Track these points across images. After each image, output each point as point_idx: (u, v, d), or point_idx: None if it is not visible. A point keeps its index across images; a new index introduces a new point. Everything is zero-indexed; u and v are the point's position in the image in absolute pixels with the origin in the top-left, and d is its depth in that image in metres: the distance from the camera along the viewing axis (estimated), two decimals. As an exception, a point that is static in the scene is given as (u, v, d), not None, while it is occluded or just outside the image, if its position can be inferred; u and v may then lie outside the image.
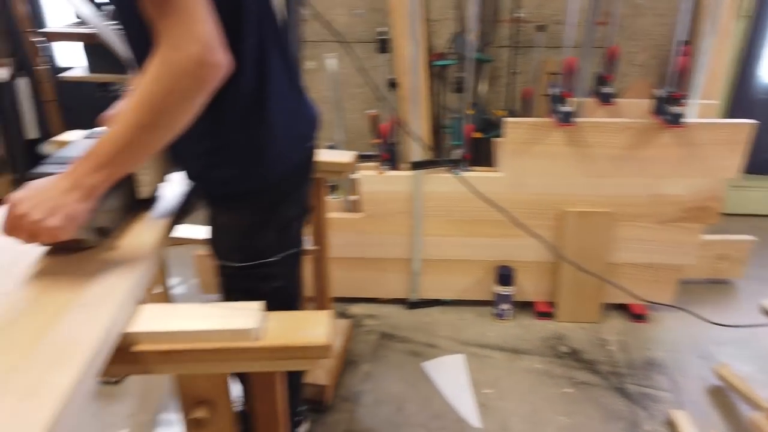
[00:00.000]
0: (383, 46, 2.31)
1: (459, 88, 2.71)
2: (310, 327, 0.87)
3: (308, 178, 1.21)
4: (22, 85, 2.87)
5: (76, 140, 1.16)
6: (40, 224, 0.83)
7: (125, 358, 0.83)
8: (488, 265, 2.25)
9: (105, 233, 0.99)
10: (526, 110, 2.60)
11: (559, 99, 2.00)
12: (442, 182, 2.11)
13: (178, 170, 1.20)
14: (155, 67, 0.83)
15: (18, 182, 2.99)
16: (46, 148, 3.03)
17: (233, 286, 1.17)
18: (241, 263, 1.13)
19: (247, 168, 1.07)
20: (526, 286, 2.28)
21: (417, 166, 2.08)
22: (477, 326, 2.24)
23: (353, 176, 2.16)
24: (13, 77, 2.84)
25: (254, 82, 1.01)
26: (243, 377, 1.15)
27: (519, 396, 1.89)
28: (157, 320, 0.86)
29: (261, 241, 1.13)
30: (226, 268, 1.14)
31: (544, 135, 2.02)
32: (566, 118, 1.94)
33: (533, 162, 2.05)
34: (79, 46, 2.42)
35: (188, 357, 0.85)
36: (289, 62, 1.08)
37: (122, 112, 0.86)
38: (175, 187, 1.22)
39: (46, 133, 3.09)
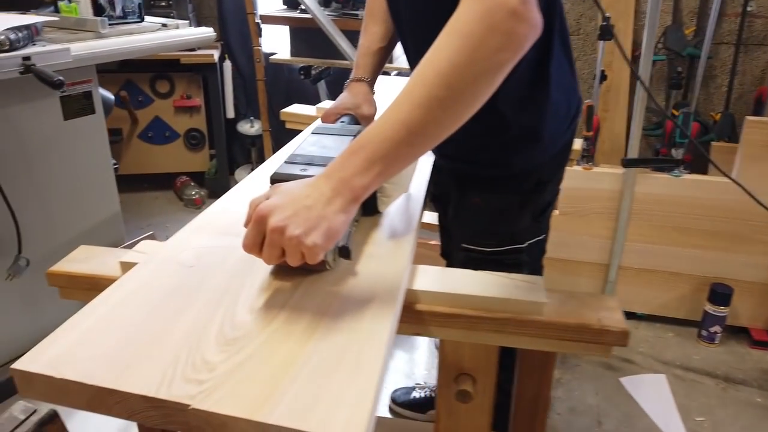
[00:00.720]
0: (604, 33, 2.16)
1: (673, 85, 2.48)
2: (604, 310, 0.78)
3: (568, 159, 1.12)
4: (227, 68, 3.08)
5: (312, 138, 0.97)
6: (301, 241, 0.64)
7: (407, 317, 0.79)
8: (698, 281, 2.02)
9: (345, 254, 0.76)
10: (757, 114, 2.32)
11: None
12: (656, 183, 1.92)
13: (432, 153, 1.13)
14: (456, 22, 0.66)
15: (213, 158, 3.21)
16: (242, 126, 3.23)
17: None
18: (492, 248, 1.06)
19: (522, 148, 1.00)
20: (742, 310, 2.01)
21: (630, 163, 1.91)
22: (680, 347, 2.02)
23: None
24: (221, 59, 3.05)
25: (541, 52, 0.93)
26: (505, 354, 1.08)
27: (739, 430, 1.66)
28: (442, 282, 0.81)
29: (516, 225, 1.05)
30: (473, 252, 1.08)
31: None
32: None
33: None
34: (285, 30, 2.54)
35: (467, 323, 0.79)
36: (565, 33, 1.00)
37: (402, 92, 0.68)
38: (417, 191, 1.06)
39: (241, 115, 3.29)
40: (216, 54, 2.88)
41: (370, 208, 0.93)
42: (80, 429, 1.60)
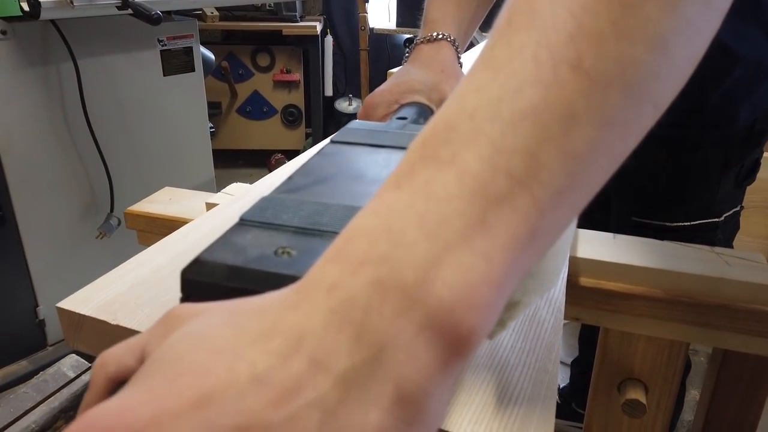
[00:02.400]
0: None
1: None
2: None
3: None
4: (328, 43, 2.98)
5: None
6: None
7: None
8: None
9: None
10: None
11: None
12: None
13: None
14: None
15: (309, 137, 3.12)
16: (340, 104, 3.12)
17: None
18: (677, 222, 0.83)
19: (749, 91, 0.76)
20: None
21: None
22: None
23: None
24: (323, 34, 2.95)
25: None
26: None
27: None
28: (616, 251, 0.60)
29: (714, 191, 0.81)
30: (647, 229, 0.85)
31: None
32: None
33: None
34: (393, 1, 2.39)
35: (649, 309, 0.58)
36: None
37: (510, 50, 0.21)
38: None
39: (339, 93, 3.18)
40: (319, 26, 2.77)
41: None
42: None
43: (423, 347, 0.18)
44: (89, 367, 0.51)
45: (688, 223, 0.80)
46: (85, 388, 0.49)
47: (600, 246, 0.61)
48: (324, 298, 0.19)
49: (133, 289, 0.47)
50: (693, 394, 1.57)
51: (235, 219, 0.58)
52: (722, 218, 0.81)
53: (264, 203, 0.39)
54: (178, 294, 0.46)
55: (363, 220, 0.20)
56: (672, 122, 0.77)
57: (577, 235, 0.62)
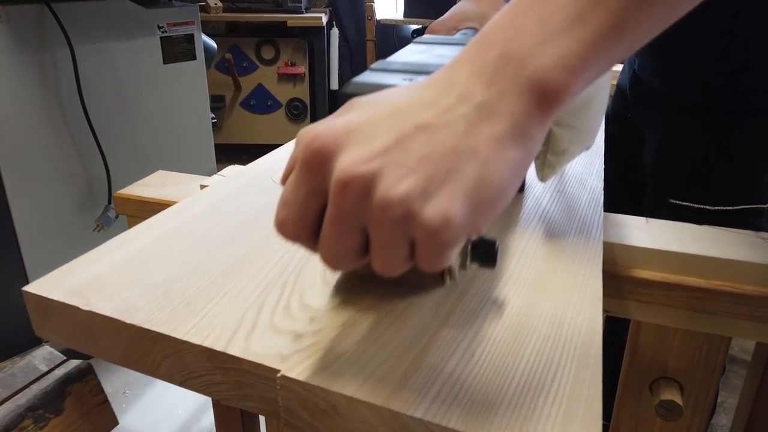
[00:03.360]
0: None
1: None
2: None
3: None
4: (334, 35, 2.92)
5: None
6: (412, 210, 0.27)
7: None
8: None
9: (488, 256, 0.34)
10: None
11: None
12: None
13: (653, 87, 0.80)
14: None
15: (314, 132, 3.06)
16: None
17: None
18: (718, 206, 0.75)
19: None
20: None
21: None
22: None
23: None
24: (329, 26, 2.89)
25: None
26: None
27: None
28: (652, 235, 0.55)
29: (763, 175, 0.75)
30: (685, 212, 0.77)
31: None
32: None
33: None
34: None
35: (690, 300, 0.52)
36: None
37: None
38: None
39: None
40: (324, 18, 2.71)
41: None
42: (151, 407, 1.46)
43: (529, 96, 0.28)
44: (64, 360, 0.45)
45: (731, 208, 0.73)
46: (59, 383, 0.43)
47: (632, 230, 0.55)
48: (467, 66, 0.30)
49: (111, 272, 0.41)
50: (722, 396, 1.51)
51: (229, 199, 0.52)
52: None
53: (379, 66, 0.50)
54: (163, 276, 0.41)
55: (495, 19, 0.30)
56: (718, 85, 0.71)
57: (607, 219, 0.56)
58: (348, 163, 0.27)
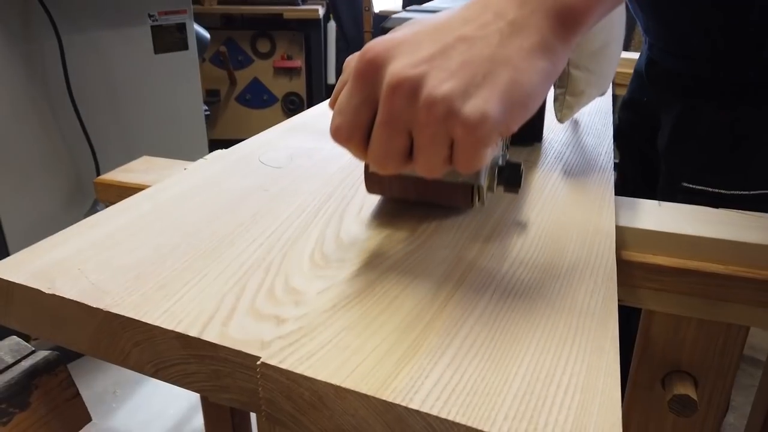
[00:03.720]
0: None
1: None
2: None
3: None
4: (331, 28, 2.88)
5: None
6: (453, 107, 0.30)
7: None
8: None
9: (513, 179, 0.41)
10: None
11: None
12: None
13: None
14: None
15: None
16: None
17: None
18: (733, 190, 0.71)
19: None
20: None
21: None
22: None
23: None
24: (326, 19, 2.85)
25: None
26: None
27: None
28: (663, 219, 0.51)
29: None
30: (698, 196, 0.72)
31: None
32: None
33: None
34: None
35: (704, 286, 0.49)
36: None
37: None
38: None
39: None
40: (321, 10, 2.67)
41: (534, 129, 0.57)
42: (142, 406, 1.43)
43: (554, 17, 0.32)
44: (32, 351, 0.42)
45: (747, 192, 0.70)
46: (24, 375, 0.40)
47: (644, 214, 0.51)
48: None
49: (80, 253, 0.38)
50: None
51: (212, 180, 0.50)
52: None
53: (411, 7, 0.54)
54: (136, 259, 0.37)
55: None
56: (732, 62, 0.68)
57: (618, 203, 0.53)
58: (398, 68, 0.31)
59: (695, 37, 0.72)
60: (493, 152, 0.32)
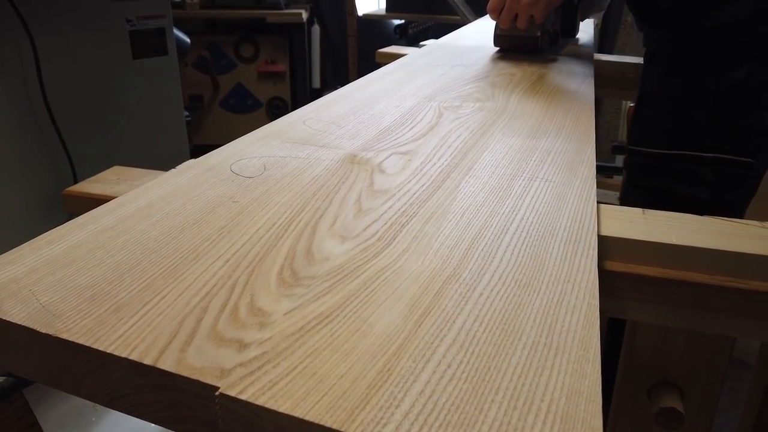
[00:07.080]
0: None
1: None
2: None
3: None
4: (315, 32, 2.86)
5: None
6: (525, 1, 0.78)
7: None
8: None
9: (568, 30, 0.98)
10: None
11: None
12: None
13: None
14: None
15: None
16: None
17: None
18: (659, 149, 0.79)
19: None
20: None
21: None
22: None
23: None
24: (310, 23, 2.83)
25: None
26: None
27: None
28: (647, 228, 0.50)
29: (698, 119, 0.76)
30: (637, 156, 0.83)
31: None
32: None
33: None
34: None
35: (690, 296, 0.47)
36: None
37: None
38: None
39: (328, 85, 3.06)
40: (304, 13, 2.65)
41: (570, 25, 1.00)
42: (122, 421, 1.39)
43: None
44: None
45: (668, 152, 0.77)
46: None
47: (628, 222, 0.50)
48: None
49: (33, 273, 0.36)
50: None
51: (178, 191, 0.48)
52: (711, 155, 0.75)
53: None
54: (92, 278, 0.35)
55: None
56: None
57: (599, 211, 0.52)
58: None
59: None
60: (542, 18, 0.79)
